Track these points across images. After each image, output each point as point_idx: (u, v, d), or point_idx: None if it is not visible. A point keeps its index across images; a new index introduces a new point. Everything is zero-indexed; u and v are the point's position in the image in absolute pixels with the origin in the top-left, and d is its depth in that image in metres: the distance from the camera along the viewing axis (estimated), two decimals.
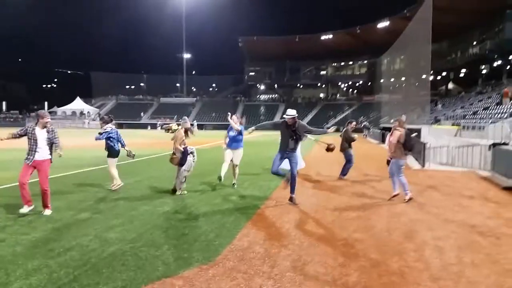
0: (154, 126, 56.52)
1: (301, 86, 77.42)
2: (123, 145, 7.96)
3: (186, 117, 8.38)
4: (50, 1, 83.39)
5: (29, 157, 5.78)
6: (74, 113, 67.25)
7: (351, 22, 60.92)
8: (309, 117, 61.63)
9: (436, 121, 30.53)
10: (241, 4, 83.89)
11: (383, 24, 53.79)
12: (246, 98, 75.47)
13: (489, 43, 38.75)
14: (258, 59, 73.31)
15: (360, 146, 19.79)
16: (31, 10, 78.12)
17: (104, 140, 7.76)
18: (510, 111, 19.68)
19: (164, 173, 10.04)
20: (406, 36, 37.60)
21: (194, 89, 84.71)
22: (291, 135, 6.75)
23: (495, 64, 38.71)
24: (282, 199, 7.06)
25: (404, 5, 45.75)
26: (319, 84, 76.06)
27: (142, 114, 68.52)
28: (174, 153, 7.51)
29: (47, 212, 5.77)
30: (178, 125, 38.68)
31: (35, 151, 5.79)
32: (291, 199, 6.87)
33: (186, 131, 7.52)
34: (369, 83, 66.70)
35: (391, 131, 7.72)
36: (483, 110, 25.52)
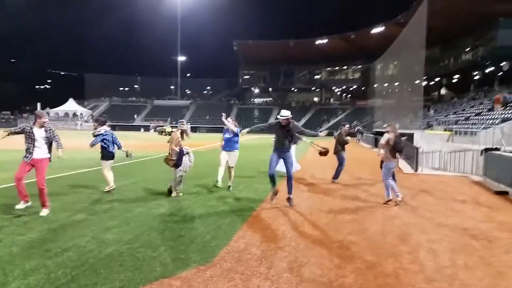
0: (147, 129, 56.42)
1: (295, 90, 77.76)
2: (119, 147, 7.94)
3: (183, 120, 8.40)
4: (43, 2, 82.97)
5: (27, 155, 5.80)
6: (67, 114, 66.81)
7: (346, 27, 61.44)
8: (303, 121, 61.80)
9: (429, 126, 30.81)
10: (237, 7, 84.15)
11: (377, 30, 54.30)
12: (240, 101, 75.61)
13: (482, 50, 39.22)
14: (253, 62, 73.50)
15: (353, 150, 19.93)
16: (24, 10, 77.68)
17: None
18: (502, 117, 19.95)
19: (159, 175, 10.04)
20: (400, 42, 38.01)
21: (188, 92, 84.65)
22: (285, 135, 6.83)
23: (487, 70, 39.16)
24: (277, 201, 7.10)
25: (398, 11, 46.22)
26: (313, 88, 76.47)
27: (135, 116, 68.30)
28: (169, 155, 7.52)
29: (44, 212, 5.76)
30: (172, 127, 38.70)
31: (33, 150, 5.80)
32: (288, 199, 6.93)
33: (182, 133, 7.55)
34: (363, 88, 67.17)
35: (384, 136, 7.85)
36: (475, 116, 25.81)
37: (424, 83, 39.57)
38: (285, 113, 6.78)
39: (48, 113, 63.63)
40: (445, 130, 25.00)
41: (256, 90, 79.86)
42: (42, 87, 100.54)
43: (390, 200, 7.29)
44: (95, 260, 3.99)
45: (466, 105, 34.41)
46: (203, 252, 4.35)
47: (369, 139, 31.61)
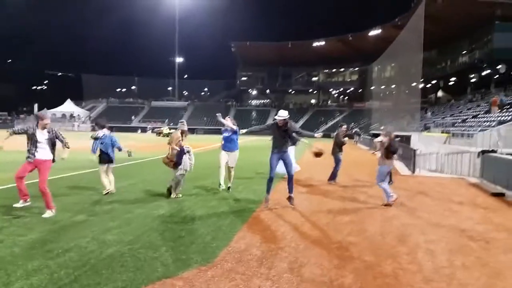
0: (144, 130, 56.33)
1: (293, 92, 77.89)
2: (120, 149, 7.94)
3: (184, 120, 8.41)
4: (41, 2, 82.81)
5: (30, 156, 5.83)
6: (64, 115, 66.64)
7: (343, 29, 61.70)
8: (301, 122, 61.92)
9: (426, 128, 30.95)
10: (234, 9, 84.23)
11: (374, 32, 54.49)
12: (238, 102, 75.63)
13: (478, 53, 39.49)
14: (251, 64, 73.57)
15: (351, 153, 20.02)
16: (21, 11, 77.50)
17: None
18: (499, 119, 20.08)
19: (158, 176, 10.07)
20: (397, 44, 38.17)
21: (186, 93, 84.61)
22: (283, 136, 6.88)
23: (484, 73, 39.41)
24: (276, 203, 7.14)
25: (395, 13, 46.43)
26: (310, 90, 76.61)
27: (133, 117, 68.22)
28: (169, 155, 7.54)
29: (47, 214, 5.77)
30: (170, 129, 38.53)
31: (35, 152, 5.83)
32: (289, 198, 6.99)
33: (182, 133, 7.59)
34: (360, 90, 67.36)
35: None
36: (472, 118, 25.96)
37: (421, 85, 39.76)
38: (283, 114, 6.84)
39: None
40: (442, 132, 25.14)
41: (254, 92, 79.91)
42: (39, 88, 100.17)
43: (389, 204, 7.33)
44: (96, 260, 4.02)
45: (463, 107, 34.59)
46: (204, 252, 4.39)
47: (366, 141, 31.71)
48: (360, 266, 4.12)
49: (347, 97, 74.35)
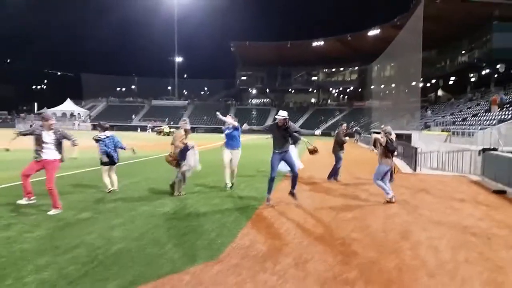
0: (144, 129, 56.35)
1: (293, 91, 77.90)
2: (123, 149, 7.97)
3: (186, 119, 8.44)
4: (40, 2, 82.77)
5: (37, 156, 5.90)
6: (64, 114, 66.65)
7: (343, 29, 61.76)
8: (301, 121, 62.01)
9: (426, 127, 31.02)
10: (234, 8, 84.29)
11: (373, 32, 54.52)
12: (238, 102, 75.68)
13: (477, 52, 39.54)
14: (250, 63, 73.59)
15: (352, 151, 20.08)
16: (21, 10, 77.45)
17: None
18: (499, 118, 20.14)
19: (161, 174, 10.11)
20: (397, 44, 38.27)
21: (186, 92, 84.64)
22: (284, 136, 6.94)
23: (483, 72, 39.49)
24: (279, 200, 7.19)
25: (394, 14, 46.45)
26: (310, 89, 76.63)
27: (133, 116, 68.25)
28: (172, 153, 7.58)
29: (53, 212, 5.82)
30: (170, 128, 38.48)
31: (42, 152, 5.90)
32: (291, 193, 7.07)
33: (185, 132, 7.63)
34: (360, 89, 67.43)
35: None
36: (472, 116, 26.02)
37: (421, 85, 39.83)
38: (283, 113, 6.92)
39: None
40: (442, 130, 25.20)
41: (254, 91, 79.94)
42: (39, 87, 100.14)
43: (390, 201, 7.38)
44: (104, 256, 4.07)
45: (463, 106, 34.68)
46: (209, 249, 4.44)
47: (367, 139, 31.78)
48: (363, 261, 4.18)
49: (347, 96, 74.38)
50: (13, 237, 4.61)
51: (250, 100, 79.65)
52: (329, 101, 75.57)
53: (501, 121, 19.03)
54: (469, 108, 31.49)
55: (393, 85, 48.39)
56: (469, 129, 20.93)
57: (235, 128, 8.47)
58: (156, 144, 25.04)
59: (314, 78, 76.12)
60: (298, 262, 4.08)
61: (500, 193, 8.63)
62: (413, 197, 8.24)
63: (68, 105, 68.72)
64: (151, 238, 4.77)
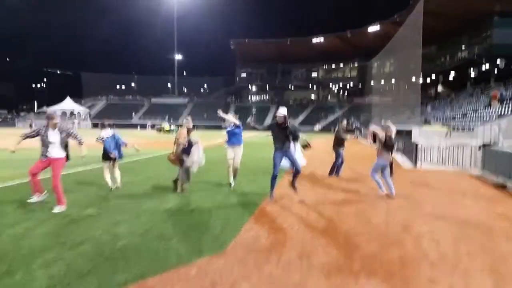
0: (144, 126, 56.40)
1: (293, 88, 77.91)
2: (125, 145, 8.02)
3: (189, 117, 8.49)
4: (40, 2, 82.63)
5: (43, 155, 5.95)
6: (64, 113, 66.57)
7: (342, 26, 61.72)
8: (301, 118, 62.05)
9: (426, 122, 31.07)
10: (233, 6, 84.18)
11: (373, 29, 54.56)
12: (238, 99, 75.69)
13: (477, 48, 39.58)
14: (250, 61, 73.66)
15: (352, 147, 20.13)
16: (21, 9, 77.33)
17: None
18: (499, 113, 20.18)
19: (163, 171, 10.16)
20: (397, 40, 38.26)
21: (185, 90, 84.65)
22: (284, 133, 6.99)
23: (483, 68, 39.51)
24: (282, 196, 7.25)
25: (394, 10, 46.44)
26: (310, 86, 76.63)
27: (133, 114, 68.28)
28: (174, 152, 7.63)
29: (57, 209, 5.87)
30: (170, 125, 38.32)
31: (47, 151, 5.95)
32: (293, 185, 7.14)
33: (188, 130, 7.69)
34: (360, 85, 67.44)
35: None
36: (472, 112, 26.06)
37: (421, 80, 39.87)
38: (283, 110, 6.98)
39: (45, 112, 63.83)
40: (443, 126, 25.24)
41: (254, 88, 79.95)
42: (38, 86, 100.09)
43: (389, 194, 7.45)
44: (111, 251, 4.13)
45: (463, 101, 34.72)
46: (214, 243, 4.50)
47: (367, 135, 31.81)
48: (366, 254, 4.24)
49: (346, 93, 74.40)
50: (20, 234, 4.67)
51: (250, 97, 79.63)
52: (329, 97, 75.59)
53: (501, 116, 19.08)
54: (469, 103, 31.53)
55: (393, 81, 48.41)
56: (469, 124, 20.98)
57: (237, 126, 8.52)
58: (157, 142, 25.08)
59: (314, 75, 76.17)
60: (302, 255, 4.14)
61: (501, 187, 8.69)
62: (414, 191, 8.30)
63: (68, 104, 68.60)
64: (157, 234, 4.83)
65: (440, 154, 13.39)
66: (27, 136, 6.11)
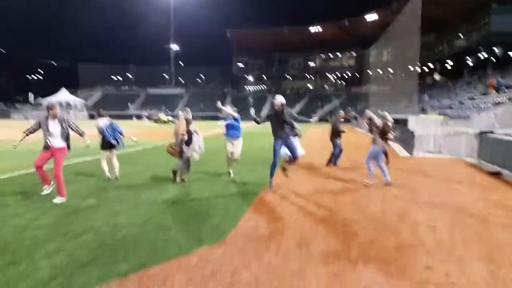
0: (139, 117, 56.15)
1: (290, 77, 77.63)
2: (121, 134, 8.03)
3: (188, 108, 8.50)
4: None
5: (45, 145, 6.01)
6: (60, 104, 66.13)
7: (340, 14, 61.21)
8: (298, 107, 61.94)
9: (423, 110, 31.12)
10: None
11: (371, 17, 54.24)
12: (235, 89, 75.42)
13: (475, 36, 39.47)
14: (247, 50, 73.17)
15: (349, 136, 20.16)
16: (16, 1, 76.35)
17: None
18: (495, 101, 20.25)
19: (162, 162, 10.20)
20: (394, 29, 38.10)
21: (182, 80, 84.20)
22: (280, 121, 7.03)
23: (481, 56, 39.47)
24: (280, 186, 7.31)
25: None
26: (307, 75, 76.39)
27: (129, 105, 67.98)
28: (173, 144, 7.66)
29: (57, 200, 5.92)
30: (167, 116, 38.07)
31: (49, 141, 6.01)
32: (284, 168, 7.25)
33: (187, 121, 7.70)
34: (357, 74, 67.28)
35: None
36: (469, 100, 26.13)
37: (418, 69, 39.83)
38: (279, 98, 7.02)
39: (40, 103, 63.40)
40: (439, 114, 25.30)
41: (251, 78, 79.61)
42: (34, 77, 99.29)
43: (387, 183, 7.51)
44: (111, 241, 4.18)
45: (460, 89, 34.75)
46: (214, 232, 4.56)
47: (364, 124, 31.86)
48: (364, 241, 4.31)
49: (344, 82, 74.24)
50: (22, 225, 4.71)
51: (247, 87, 79.32)
52: (326, 86, 75.42)
53: (497, 104, 19.14)
54: (466, 91, 31.58)
55: (390, 70, 48.34)
56: (465, 112, 21.06)
57: (235, 119, 8.55)
58: (154, 132, 25.06)
59: (311, 64, 75.82)
60: (301, 243, 4.21)
61: (496, 174, 8.78)
62: (410, 179, 8.38)
63: (64, 95, 68.06)
64: (156, 224, 4.88)
65: (437, 142, 13.46)
66: (30, 132, 6.15)
